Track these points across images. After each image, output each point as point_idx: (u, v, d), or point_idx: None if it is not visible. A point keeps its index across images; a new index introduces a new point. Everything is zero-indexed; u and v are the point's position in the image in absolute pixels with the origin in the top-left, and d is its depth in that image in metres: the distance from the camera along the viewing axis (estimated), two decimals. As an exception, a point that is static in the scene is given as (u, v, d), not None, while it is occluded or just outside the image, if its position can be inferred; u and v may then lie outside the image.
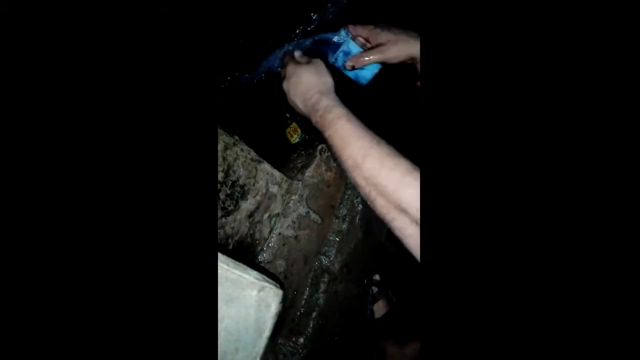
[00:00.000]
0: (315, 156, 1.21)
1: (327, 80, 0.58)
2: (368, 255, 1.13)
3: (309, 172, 1.12)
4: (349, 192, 1.15)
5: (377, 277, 1.11)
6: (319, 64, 0.60)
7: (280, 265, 0.91)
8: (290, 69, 0.60)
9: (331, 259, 1.01)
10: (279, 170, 1.10)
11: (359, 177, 0.49)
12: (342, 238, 1.05)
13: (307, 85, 0.57)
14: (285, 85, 0.61)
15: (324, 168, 1.21)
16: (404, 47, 0.60)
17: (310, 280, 0.96)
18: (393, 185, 0.44)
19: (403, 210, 0.44)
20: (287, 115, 1.77)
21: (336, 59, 0.67)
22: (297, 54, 0.65)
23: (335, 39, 0.64)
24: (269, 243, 0.90)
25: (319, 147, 1.23)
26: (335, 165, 1.33)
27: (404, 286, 1.16)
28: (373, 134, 0.50)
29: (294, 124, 1.76)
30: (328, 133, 0.53)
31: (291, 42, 0.72)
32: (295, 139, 1.76)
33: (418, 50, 0.60)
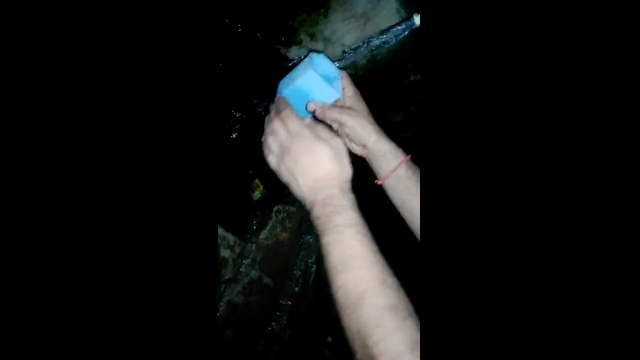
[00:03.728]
0: (270, 217, 1.18)
1: (349, 174, 0.45)
2: (321, 317, 1.07)
3: (263, 234, 1.09)
4: (303, 253, 1.12)
5: (329, 339, 1.05)
6: (342, 149, 0.45)
7: (228, 335, 0.84)
8: (305, 140, 0.44)
9: (282, 325, 0.95)
10: (233, 232, 1.06)
11: (348, 320, 0.36)
12: (294, 302, 1.00)
13: (326, 173, 0.43)
14: (289, 153, 0.44)
15: (279, 229, 1.18)
16: (371, 129, 0.52)
17: (259, 350, 0.89)
18: None
19: None
20: (250, 171, 1.75)
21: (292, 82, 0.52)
22: (309, 120, 0.49)
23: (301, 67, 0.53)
24: (217, 311, 0.84)
25: (275, 207, 1.22)
26: (290, 225, 1.31)
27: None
28: (382, 262, 0.38)
29: (256, 180, 1.74)
30: (328, 240, 0.40)
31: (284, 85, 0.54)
32: (257, 195, 1.73)
33: (382, 141, 0.52)
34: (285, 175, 0.46)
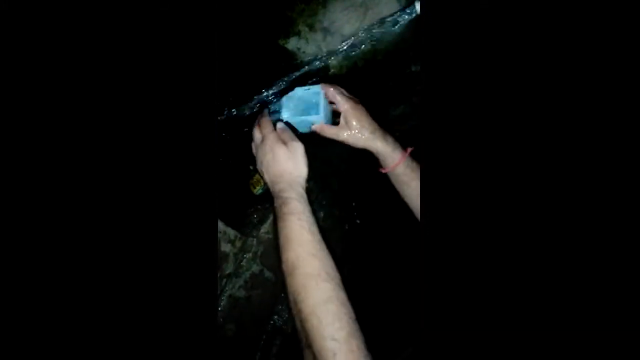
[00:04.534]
0: (271, 211, 1.17)
1: (302, 172, 0.55)
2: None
3: (264, 228, 1.08)
4: (305, 247, 1.11)
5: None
6: (299, 151, 0.56)
7: (229, 330, 0.84)
8: (270, 142, 0.56)
9: (284, 318, 0.95)
10: (234, 226, 1.05)
11: (287, 285, 0.46)
12: (296, 295, 0.99)
13: (281, 170, 0.54)
14: (259, 152, 0.58)
15: (280, 223, 1.18)
16: (366, 138, 0.61)
17: (262, 344, 0.89)
18: (305, 313, 0.42)
19: (307, 343, 0.41)
20: (251, 167, 1.74)
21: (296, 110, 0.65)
22: (280, 126, 0.60)
23: (307, 94, 0.64)
24: (217, 306, 0.83)
25: (276, 202, 1.21)
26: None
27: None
28: (316, 241, 0.47)
29: (257, 176, 1.73)
30: (278, 225, 0.51)
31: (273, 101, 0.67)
32: (258, 190, 1.72)
33: (377, 145, 0.60)
34: (259, 170, 0.59)
